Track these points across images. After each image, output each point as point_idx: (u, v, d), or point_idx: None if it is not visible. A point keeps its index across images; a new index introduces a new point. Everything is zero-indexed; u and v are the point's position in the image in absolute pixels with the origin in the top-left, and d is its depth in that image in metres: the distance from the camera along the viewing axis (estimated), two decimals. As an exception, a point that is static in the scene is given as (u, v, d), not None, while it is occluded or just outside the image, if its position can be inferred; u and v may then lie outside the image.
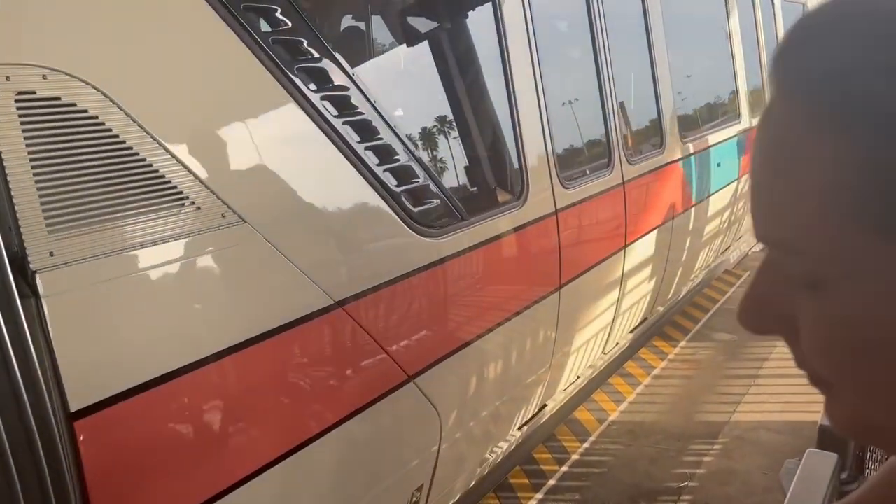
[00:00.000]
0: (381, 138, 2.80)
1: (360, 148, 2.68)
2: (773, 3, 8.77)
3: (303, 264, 2.36)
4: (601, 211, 4.59)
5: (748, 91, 7.64)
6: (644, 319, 5.92)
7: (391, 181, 2.83)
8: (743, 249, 8.69)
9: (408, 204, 2.90)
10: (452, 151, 3.66)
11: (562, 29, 4.86)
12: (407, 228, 2.88)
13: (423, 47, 3.66)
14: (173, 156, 2.00)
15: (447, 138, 3.62)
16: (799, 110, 0.50)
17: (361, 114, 2.72)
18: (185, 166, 2.02)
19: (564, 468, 4.69)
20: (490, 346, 3.48)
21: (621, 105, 4.93)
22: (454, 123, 3.60)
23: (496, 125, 3.77)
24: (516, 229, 3.59)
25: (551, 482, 4.56)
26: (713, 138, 6.65)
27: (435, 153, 3.54)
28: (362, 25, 3.94)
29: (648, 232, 5.28)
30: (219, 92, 2.22)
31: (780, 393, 5.58)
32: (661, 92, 5.55)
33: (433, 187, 3.11)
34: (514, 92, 3.70)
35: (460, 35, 3.74)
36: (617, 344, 5.51)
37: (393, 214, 2.81)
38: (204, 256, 2.09)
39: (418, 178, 3.00)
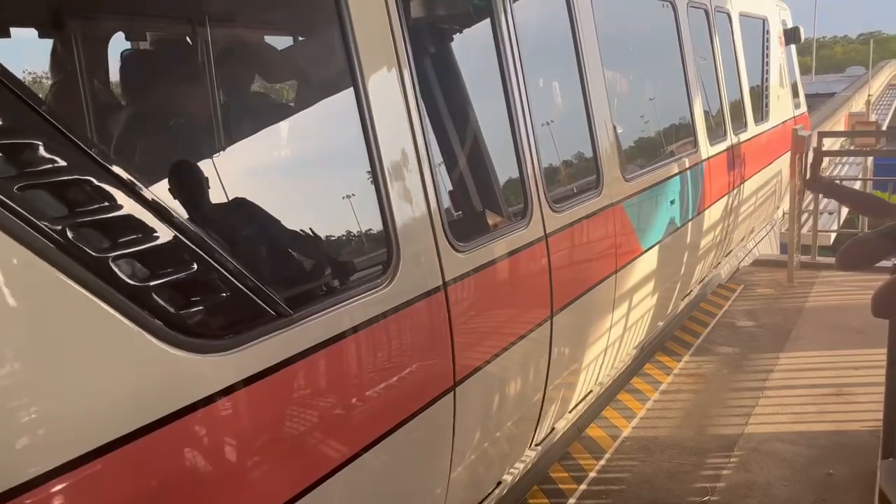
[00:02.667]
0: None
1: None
2: (729, 19, 7.99)
3: None
4: (513, 278, 3.67)
5: (705, 116, 6.85)
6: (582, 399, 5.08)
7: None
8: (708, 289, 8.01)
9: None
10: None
11: (454, 54, 3.80)
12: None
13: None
14: None
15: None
16: None
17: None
18: None
19: (583, 486, 4.60)
20: None
21: (536, 143, 3.91)
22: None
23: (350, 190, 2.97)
24: (384, 315, 2.73)
25: (571, 501, 4.46)
26: (665, 172, 5.75)
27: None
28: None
29: (581, 295, 4.37)
30: None
31: (789, 404, 5.57)
32: (595, 123, 4.63)
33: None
34: (375, 136, 2.78)
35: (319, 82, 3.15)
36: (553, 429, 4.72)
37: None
38: None
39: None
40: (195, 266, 2.08)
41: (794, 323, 7.28)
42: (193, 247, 2.07)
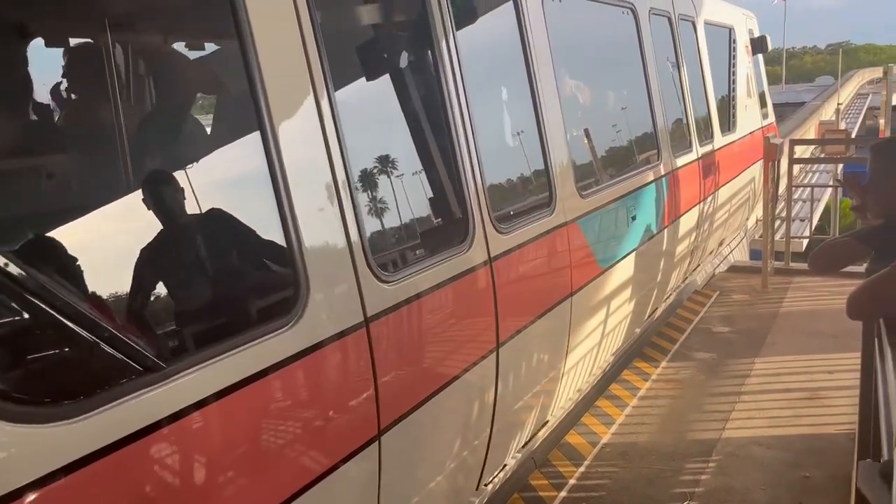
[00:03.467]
0: None
1: None
2: (694, 28, 7.75)
3: None
4: (452, 308, 3.30)
5: (668, 126, 6.57)
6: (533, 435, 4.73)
7: None
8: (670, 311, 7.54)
9: None
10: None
11: (379, 61, 3.49)
12: None
13: None
14: None
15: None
16: None
17: None
18: None
19: (563, 493, 4.60)
20: None
21: (478, 158, 3.59)
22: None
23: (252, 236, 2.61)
24: (289, 360, 2.37)
25: (552, 509, 4.46)
26: (625, 186, 5.44)
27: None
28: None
29: (532, 322, 4.01)
30: None
31: (765, 409, 5.62)
32: (547, 136, 4.29)
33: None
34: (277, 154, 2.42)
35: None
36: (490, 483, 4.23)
37: None
38: None
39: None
40: (30, 319, 1.71)
41: (768, 328, 7.36)
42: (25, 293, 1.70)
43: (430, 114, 3.46)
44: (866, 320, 3.49)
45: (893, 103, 33.66)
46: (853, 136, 31.69)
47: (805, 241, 13.49)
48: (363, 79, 3.35)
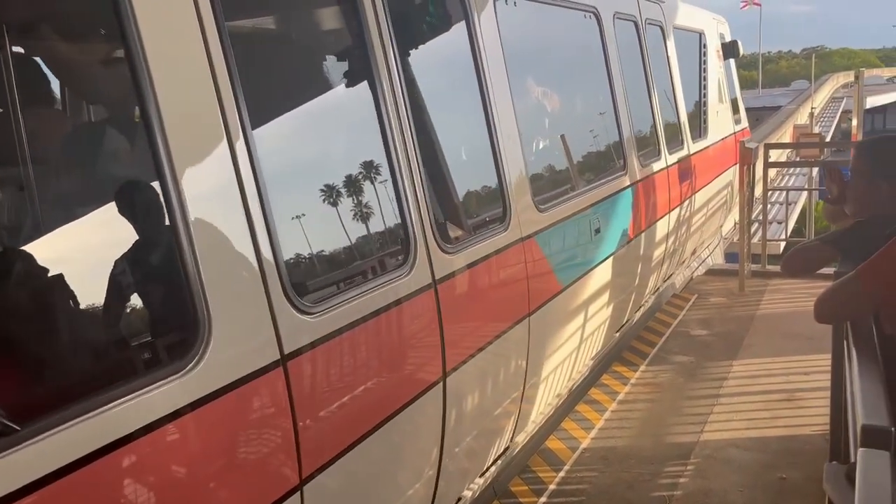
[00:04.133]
0: None
1: None
2: (663, 32, 7.54)
3: None
4: (391, 336, 3.04)
5: (635, 134, 6.25)
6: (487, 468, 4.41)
7: None
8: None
9: None
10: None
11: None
12: None
13: None
14: None
15: None
16: None
17: None
18: None
19: (543, 499, 4.61)
20: None
21: (428, 170, 3.36)
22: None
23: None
24: (187, 409, 2.07)
25: (532, 514, 4.47)
26: (588, 198, 5.20)
27: None
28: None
29: (485, 347, 3.74)
30: None
31: (742, 411, 5.68)
32: (501, 147, 4.03)
33: None
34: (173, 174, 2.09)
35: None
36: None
37: None
38: None
39: None
40: None
41: (746, 330, 7.43)
42: None
43: (365, 119, 3.15)
44: (834, 323, 3.55)
45: (867, 106, 34.23)
46: (828, 139, 32.14)
47: (782, 244, 13.65)
48: (274, 75, 3.01)
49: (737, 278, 9.00)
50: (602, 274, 5.42)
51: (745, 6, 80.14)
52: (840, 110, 52.01)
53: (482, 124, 4.01)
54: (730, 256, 11.08)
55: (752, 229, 10.28)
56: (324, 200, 2.93)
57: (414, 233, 3.17)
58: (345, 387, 2.76)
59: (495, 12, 4.27)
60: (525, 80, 4.73)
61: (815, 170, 20.23)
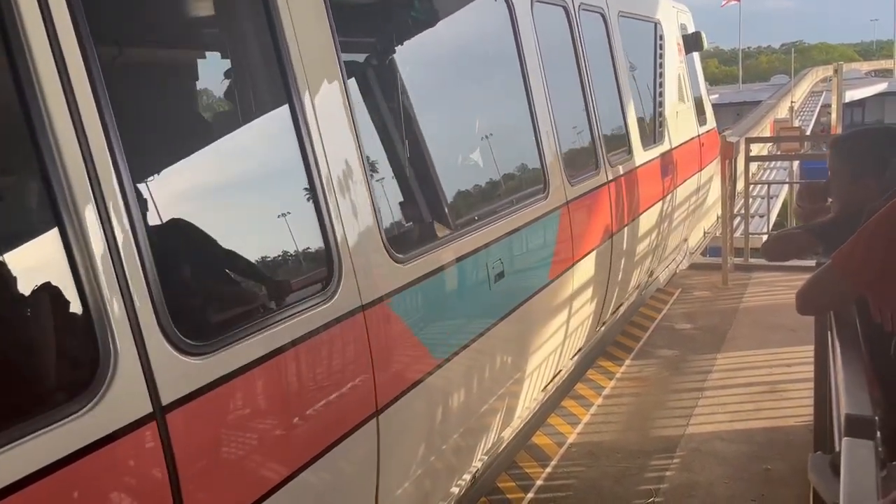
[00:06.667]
0: None
1: None
2: (604, 20, 6.33)
3: None
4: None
5: (561, 146, 4.95)
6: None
7: None
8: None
9: None
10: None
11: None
12: None
13: None
14: None
15: None
16: None
17: None
18: None
19: (531, 495, 4.62)
20: None
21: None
22: None
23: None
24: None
25: (519, 510, 4.47)
26: (484, 236, 3.88)
27: None
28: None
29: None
30: None
31: (727, 403, 5.72)
32: (328, 178, 2.78)
33: None
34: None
35: None
36: None
37: None
38: None
39: None
40: None
41: (730, 323, 7.49)
42: None
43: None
44: (815, 314, 3.57)
45: (846, 100, 34.59)
46: (808, 132, 32.45)
47: (764, 238, 13.74)
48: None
49: (720, 272, 9.06)
50: (494, 340, 4.01)
51: (725, 3, 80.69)
52: (819, 104, 52.53)
53: (301, 149, 2.81)
54: (712, 250, 11.14)
55: (735, 223, 10.34)
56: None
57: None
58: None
59: None
60: (408, 83, 3.70)
61: (796, 163, 20.42)
